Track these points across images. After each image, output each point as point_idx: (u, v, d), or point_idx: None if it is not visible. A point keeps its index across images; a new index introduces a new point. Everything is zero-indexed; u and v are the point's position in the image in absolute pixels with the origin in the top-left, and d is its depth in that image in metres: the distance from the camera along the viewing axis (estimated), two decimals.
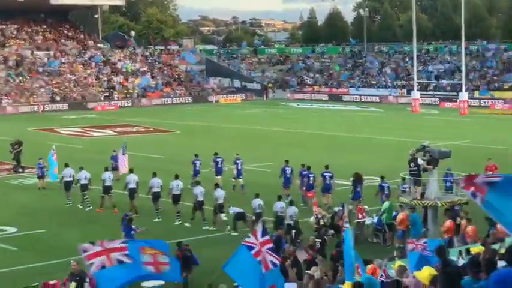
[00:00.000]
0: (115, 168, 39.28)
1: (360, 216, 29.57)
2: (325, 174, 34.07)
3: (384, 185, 32.26)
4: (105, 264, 12.46)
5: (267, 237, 13.80)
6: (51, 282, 21.90)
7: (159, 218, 31.93)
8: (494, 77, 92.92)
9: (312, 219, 29.13)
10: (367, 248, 26.78)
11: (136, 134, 63.02)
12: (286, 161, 36.34)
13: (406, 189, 29.46)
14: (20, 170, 44.45)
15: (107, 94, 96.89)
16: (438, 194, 27.93)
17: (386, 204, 29.72)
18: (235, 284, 19.00)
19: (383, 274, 15.33)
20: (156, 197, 32.59)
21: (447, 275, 8.93)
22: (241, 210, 29.88)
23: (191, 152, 40.74)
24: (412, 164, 28.03)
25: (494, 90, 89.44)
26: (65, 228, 30.81)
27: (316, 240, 24.96)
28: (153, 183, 32.57)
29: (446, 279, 8.71)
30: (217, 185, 32.07)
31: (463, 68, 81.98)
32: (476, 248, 13.76)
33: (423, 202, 27.84)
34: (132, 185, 33.33)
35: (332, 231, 28.78)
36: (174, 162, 43.76)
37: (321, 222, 28.56)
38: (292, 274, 18.90)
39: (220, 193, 30.75)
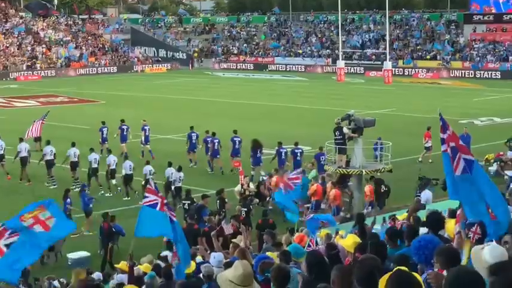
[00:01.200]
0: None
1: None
2: (235, 139, 35.06)
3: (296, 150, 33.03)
4: None
5: (160, 193, 13.94)
6: None
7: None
8: (418, 46, 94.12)
9: (238, 188, 29.23)
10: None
11: (60, 104, 62.12)
12: (191, 127, 37.67)
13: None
14: None
15: (29, 64, 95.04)
16: (363, 163, 28.25)
17: (312, 173, 30.08)
18: (160, 251, 19.07)
19: (310, 243, 15.47)
20: (75, 166, 33.45)
21: (371, 245, 9.03)
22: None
23: (117, 122, 40.38)
24: (337, 133, 28.25)
25: (418, 60, 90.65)
26: None
27: (242, 209, 25.07)
28: (70, 153, 33.31)
29: (371, 249, 8.81)
30: (109, 151, 33.60)
31: (387, 38, 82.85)
32: (400, 216, 13.97)
33: (348, 170, 28.14)
34: (24, 154, 34.06)
35: (257, 200, 28.96)
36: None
37: (247, 192, 28.70)
38: (217, 244, 18.91)
39: (111, 158, 32.27)
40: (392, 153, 29.69)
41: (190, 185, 30.09)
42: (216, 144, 35.69)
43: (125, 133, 39.13)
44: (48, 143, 34.78)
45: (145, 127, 39.24)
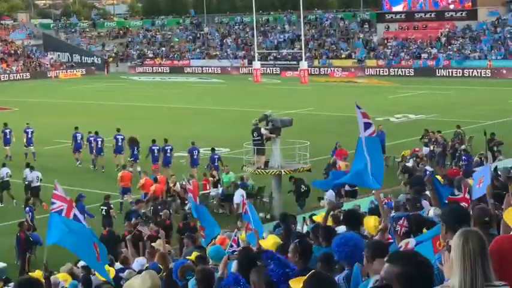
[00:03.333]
0: None
1: (208, 187, 29.73)
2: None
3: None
4: None
5: (69, 197, 13.60)
6: None
7: None
8: (332, 46, 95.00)
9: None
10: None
11: None
12: (76, 128, 39.21)
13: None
14: None
15: None
16: (282, 163, 28.28)
17: (228, 176, 30.00)
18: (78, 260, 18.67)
19: (233, 244, 15.31)
20: None
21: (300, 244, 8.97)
22: None
23: (32, 128, 39.90)
24: (256, 134, 28.25)
25: (333, 59, 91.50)
26: None
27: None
28: None
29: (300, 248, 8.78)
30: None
31: (302, 38, 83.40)
32: (319, 216, 13.94)
33: (267, 171, 28.13)
34: None
35: (178, 201, 28.79)
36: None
37: (171, 191, 28.61)
38: (132, 250, 18.67)
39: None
40: (310, 152, 29.79)
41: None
42: (100, 142, 37.28)
43: (8, 136, 40.48)
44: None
45: (28, 129, 40.34)
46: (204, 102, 63.64)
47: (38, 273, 16.18)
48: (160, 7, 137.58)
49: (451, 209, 7.28)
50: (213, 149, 33.81)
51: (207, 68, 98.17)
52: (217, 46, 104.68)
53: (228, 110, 58.60)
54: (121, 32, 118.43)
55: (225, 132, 45.64)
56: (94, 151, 37.54)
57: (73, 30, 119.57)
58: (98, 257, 12.42)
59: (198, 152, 33.88)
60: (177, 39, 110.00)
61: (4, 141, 40.50)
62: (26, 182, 30.71)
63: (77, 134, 38.56)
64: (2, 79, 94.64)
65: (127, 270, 14.07)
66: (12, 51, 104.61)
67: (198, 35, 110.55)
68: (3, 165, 32.89)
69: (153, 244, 18.04)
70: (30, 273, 18.23)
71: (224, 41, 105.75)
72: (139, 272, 13.84)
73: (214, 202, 29.72)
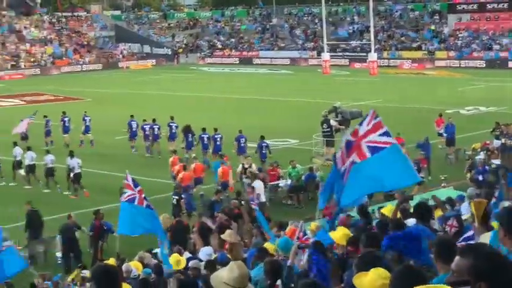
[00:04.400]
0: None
1: (276, 178, 29.81)
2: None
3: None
4: None
5: (140, 187, 13.82)
6: None
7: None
8: (402, 37, 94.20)
9: (239, 168, 29.26)
10: (282, 210, 27.03)
11: (45, 103, 61.80)
12: (132, 116, 39.97)
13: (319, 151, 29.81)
14: None
15: (13, 63, 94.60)
16: None
17: (293, 169, 30.01)
18: (150, 248, 19.01)
19: (300, 235, 15.38)
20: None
21: (370, 236, 9.00)
22: None
23: (102, 120, 40.51)
24: (325, 125, 28.36)
25: (402, 50, 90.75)
26: None
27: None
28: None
29: (369, 240, 8.76)
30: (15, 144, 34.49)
31: (372, 29, 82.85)
32: (388, 208, 13.95)
33: None
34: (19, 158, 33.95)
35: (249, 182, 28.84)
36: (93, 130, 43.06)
37: (247, 172, 28.68)
38: (200, 241, 18.83)
39: (18, 151, 33.25)
40: None
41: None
42: (156, 130, 38.18)
43: (66, 125, 41.62)
44: (15, 144, 34.75)
45: (86, 117, 41.51)
46: (272, 94, 63.77)
47: (111, 261, 16.58)
48: None
49: (510, 210, 6.59)
50: (262, 137, 33.87)
51: (276, 59, 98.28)
52: (286, 37, 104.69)
53: (297, 101, 58.64)
54: (191, 23, 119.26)
55: (294, 123, 45.67)
56: (150, 138, 38.27)
57: (144, 21, 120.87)
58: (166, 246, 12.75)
59: (246, 140, 34.17)
60: (244, 27, 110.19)
61: (63, 130, 41.44)
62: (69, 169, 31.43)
63: (132, 122, 39.49)
64: (75, 70, 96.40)
65: (192, 261, 14.29)
66: (85, 43, 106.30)
67: (267, 26, 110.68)
68: (47, 152, 33.60)
69: (221, 236, 18.20)
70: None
71: (293, 32, 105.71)
72: (208, 261, 14.05)
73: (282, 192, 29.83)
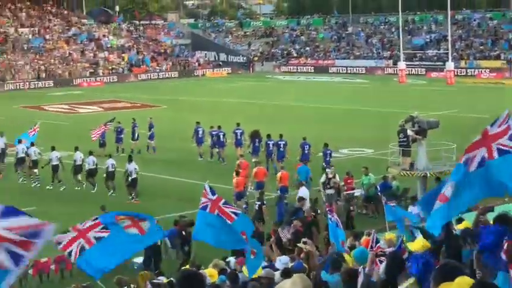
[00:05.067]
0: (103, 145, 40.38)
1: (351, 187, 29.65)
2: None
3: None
4: (84, 247, 11.99)
5: (217, 195, 13.79)
6: (42, 260, 21.90)
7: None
8: (481, 46, 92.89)
9: (323, 178, 29.18)
10: (357, 220, 26.89)
11: (122, 110, 62.71)
12: (198, 123, 40.63)
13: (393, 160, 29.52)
14: None
15: (92, 70, 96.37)
16: (427, 164, 27.97)
17: (367, 177, 29.79)
18: (224, 256, 19.09)
19: (373, 244, 15.28)
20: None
21: (452, 248, 8.87)
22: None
23: (178, 127, 40.94)
24: (402, 135, 28.05)
25: (481, 60, 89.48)
26: (53, 206, 30.56)
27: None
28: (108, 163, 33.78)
29: (451, 252, 8.64)
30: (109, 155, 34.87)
31: (449, 38, 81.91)
32: (463, 225, 13.69)
33: (413, 173, 27.89)
34: (55, 162, 34.61)
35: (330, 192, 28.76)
36: (161, 137, 43.57)
37: (331, 183, 28.60)
38: (277, 252, 18.77)
39: (78, 156, 34.04)
40: (456, 155, 29.29)
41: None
42: (222, 136, 38.61)
43: (136, 131, 42.29)
44: (53, 149, 35.23)
45: (152, 124, 42.44)
46: (348, 102, 63.55)
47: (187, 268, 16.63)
48: (305, 6, 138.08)
49: None
50: (325, 144, 34.00)
51: (352, 68, 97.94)
52: (362, 46, 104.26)
53: (372, 110, 58.30)
54: (267, 31, 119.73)
55: (369, 133, 45.42)
56: (216, 145, 38.81)
57: (220, 29, 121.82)
58: (252, 252, 12.63)
59: (310, 147, 34.41)
60: (321, 35, 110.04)
61: (132, 136, 42.06)
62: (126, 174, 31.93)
63: (198, 129, 39.97)
64: (152, 77, 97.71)
65: (265, 269, 14.26)
66: (162, 51, 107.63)
67: (343, 35, 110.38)
68: (109, 156, 34.13)
69: (297, 245, 18.14)
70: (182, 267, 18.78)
71: (369, 40, 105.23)
72: (283, 271, 14.00)
73: (359, 201, 29.68)
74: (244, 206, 28.16)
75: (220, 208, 13.55)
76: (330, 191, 28.48)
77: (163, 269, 21.08)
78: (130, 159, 32.48)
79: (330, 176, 28.93)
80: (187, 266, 17.19)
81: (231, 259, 18.36)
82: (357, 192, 29.69)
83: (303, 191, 26.71)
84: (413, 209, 22.32)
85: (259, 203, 26.46)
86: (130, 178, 31.51)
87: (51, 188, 34.52)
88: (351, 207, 27.85)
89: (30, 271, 21.65)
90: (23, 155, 36.06)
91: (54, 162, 34.55)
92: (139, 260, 23.37)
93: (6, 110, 64.53)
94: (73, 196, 32.81)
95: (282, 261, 14.59)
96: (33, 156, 35.41)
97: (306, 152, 34.27)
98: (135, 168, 31.71)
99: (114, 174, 32.81)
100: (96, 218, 12.37)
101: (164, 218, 25.13)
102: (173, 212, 27.70)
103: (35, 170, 35.32)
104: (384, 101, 63.93)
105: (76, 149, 34.79)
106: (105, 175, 32.94)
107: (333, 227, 17.31)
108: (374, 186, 29.24)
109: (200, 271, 15.85)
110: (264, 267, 15.19)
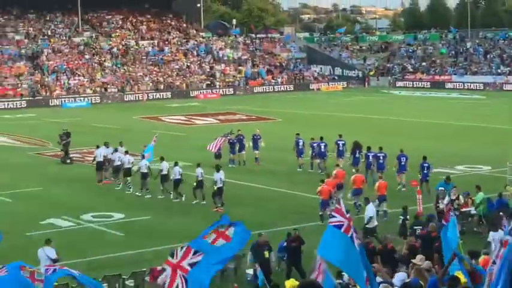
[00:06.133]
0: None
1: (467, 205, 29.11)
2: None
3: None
4: (185, 276, 12.21)
5: (349, 215, 13.59)
6: (159, 267, 22.32)
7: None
8: None
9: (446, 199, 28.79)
10: (470, 238, 26.34)
11: (238, 122, 63.40)
12: (297, 134, 40.98)
13: None
14: (68, 161, 43.68)
15: (209, 82, 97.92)
16: None
17: (481, 195, 29.11)
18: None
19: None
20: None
21: None
22: None
23: (292, 140, 41.11)
24: None
25: None
26: (167, 216, 31.11)
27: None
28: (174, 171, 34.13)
29: None
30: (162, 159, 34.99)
31: None
32: None
33: None
34: (144, 170, 35.16)
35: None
36: (277, 149, 43.89)
37: (454, 205, 28.13)
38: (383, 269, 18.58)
39: (164, 165, 34.47)
40: None
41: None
42: (323, 147, 38.97)
43: (243, 143, 42.46)
44: (162, 159, 35.19)
45: (256, 136, 42.78)
46: (464, 119, 62.53)
47: (290, 282, 16.43)
48: (422, 21, 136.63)
49: None
50: (424, 157, 33.75)
51: (469, 84, 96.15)
52: (480, 61, 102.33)
53: (490, 127, 57.19)
54: (383, 46, 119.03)
55: (486, 149, 44.57)
56: (315, 154, 39.02)
57: (336, 43, 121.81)
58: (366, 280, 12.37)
59: (407, 159, 34.49)
60: (444, 51, 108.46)
61: (239, 148, 42.25)
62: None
63: (299, 140, 40.21)
64: (267, 90, 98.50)
65: (382, 285, 14.18)
66: (278, 64, 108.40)
67: (461, 50, 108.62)
68: (198, 165, 33.66)
69: (412, 260, 17.95)
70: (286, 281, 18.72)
71: (487, 56, 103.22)
72: (403, 285, 13.92)
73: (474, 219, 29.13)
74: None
75: (352, 230, 13.26)
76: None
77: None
78: (218, 168, 32.73)
79: (453, 197, 28.38)
80: (292, 280, 17.06)
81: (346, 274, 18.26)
82: (473, 210, 29.14)
83: (370, 207, 26.56)
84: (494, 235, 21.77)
85: (403, 217, 26.10)
86: (216, 187, 31.82)
87: (163, 196, 34.90)
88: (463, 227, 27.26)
89: None
90: (119, 163, 36.89)
91: (164, 172, 34.63)
92: (250, 271, 23.54)
93: (125, 120, 66.30)
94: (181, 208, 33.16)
95: (399, 277, 14.53)
96: (126, 164, 36.26)
97: (403, 163, 34.50)
98: (221, 178, 31.90)
99: (203, 183, 33.05)
100: (187, 245, 12.54)
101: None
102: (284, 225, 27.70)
103: (128, 178, 36.01)
104: (502, 117, 62.55)
105: (162, 159, 34.95)
106: (195, 184, 33.24)
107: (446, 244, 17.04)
108: (484, 204, 28.55)
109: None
110: (380, 283, 15.11)
